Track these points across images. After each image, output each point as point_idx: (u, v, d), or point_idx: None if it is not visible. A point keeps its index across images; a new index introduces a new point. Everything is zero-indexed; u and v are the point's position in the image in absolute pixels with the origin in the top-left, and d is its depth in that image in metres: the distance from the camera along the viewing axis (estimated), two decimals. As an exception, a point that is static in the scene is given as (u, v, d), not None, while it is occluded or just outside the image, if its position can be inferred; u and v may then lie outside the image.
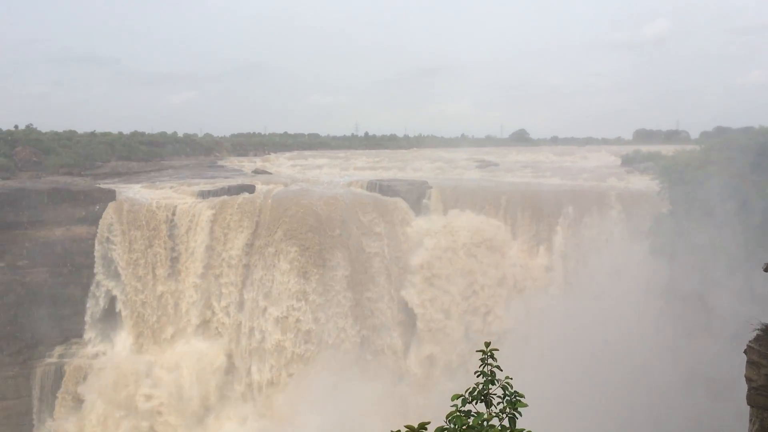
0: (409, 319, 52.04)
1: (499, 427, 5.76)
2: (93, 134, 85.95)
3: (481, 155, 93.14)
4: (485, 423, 5.77)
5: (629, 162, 73.01)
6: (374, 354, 51.40)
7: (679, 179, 43.92)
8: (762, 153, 40.55)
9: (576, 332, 43.36)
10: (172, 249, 53.49)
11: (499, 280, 51.82)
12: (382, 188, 58.63)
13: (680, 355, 37.47)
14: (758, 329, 19.41)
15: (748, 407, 19.47)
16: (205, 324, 52.72)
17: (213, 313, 52.74)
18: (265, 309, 51.31)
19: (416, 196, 56.58)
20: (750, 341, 19.23)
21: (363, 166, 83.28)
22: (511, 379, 6.64)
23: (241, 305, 52.31)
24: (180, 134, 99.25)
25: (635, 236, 47.26)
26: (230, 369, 51.63)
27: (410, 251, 53.13)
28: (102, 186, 59.11)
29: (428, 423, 5.62)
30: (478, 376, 6.81)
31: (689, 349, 37.19)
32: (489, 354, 6.86)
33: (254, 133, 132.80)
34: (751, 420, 19.13)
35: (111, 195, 55.48)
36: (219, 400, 50.94)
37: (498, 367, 6.86)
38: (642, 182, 56.39)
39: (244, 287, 52.39)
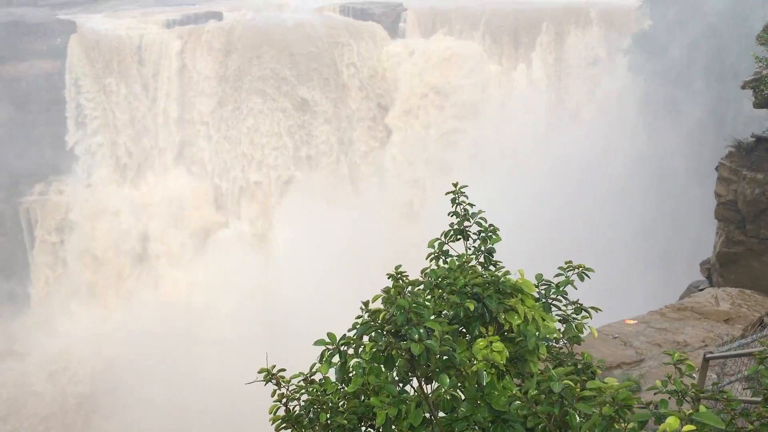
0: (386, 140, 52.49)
1: (479, 266, 5.86)
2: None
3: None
4: (465, 265, 5.82)
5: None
6: (353, 180, 52.43)
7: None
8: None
9: (557, 147, 44.19)
10: (143, 84, 52.13)
11: (479, 99, 51.44)
12: (355, 12, 56.41)
13: (654, 163, 38.55)
14: (730, 146, 19.74)
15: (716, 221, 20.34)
16: (185, 158, 52.79)
17: (192, 147, 52.64)
18: (241, 145, 51.52)
19: (391, 19, 54.79)
20: (721, 158, 19.62)
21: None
22: (484, 212, 6.61)
23: (218, 140, 52.18)
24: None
25: (614, 54, 46.79)
26: (216, 200, 52.52)
27: (387, 77, 52.37)
28: (61, 17, 56.14)
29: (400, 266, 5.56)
30: (451, 216, 6.71)
31: (661, 157, 38.18)
32: (460, 192, 6.82)
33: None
34: (717, 233, 20.04)
35: (72, 27, 52.86)
36: (203, 228, 52.13)
37: (471, 204, 6.75)
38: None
39: (222, 121, 51.95)
